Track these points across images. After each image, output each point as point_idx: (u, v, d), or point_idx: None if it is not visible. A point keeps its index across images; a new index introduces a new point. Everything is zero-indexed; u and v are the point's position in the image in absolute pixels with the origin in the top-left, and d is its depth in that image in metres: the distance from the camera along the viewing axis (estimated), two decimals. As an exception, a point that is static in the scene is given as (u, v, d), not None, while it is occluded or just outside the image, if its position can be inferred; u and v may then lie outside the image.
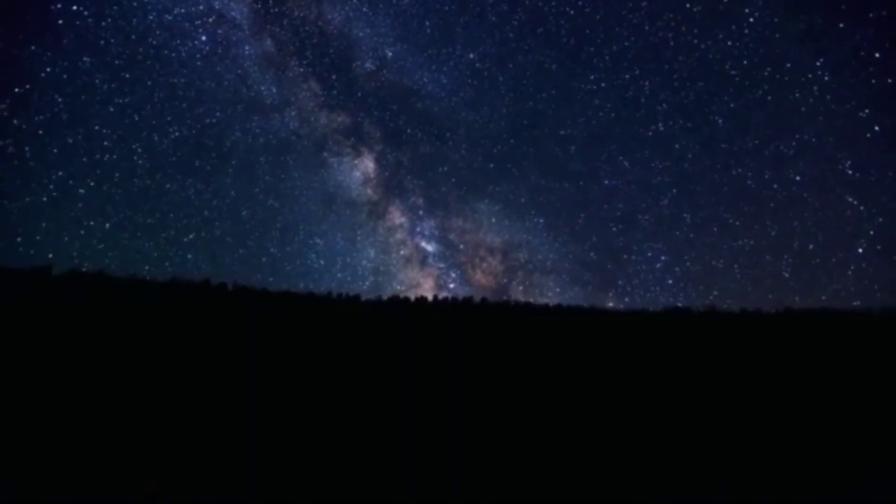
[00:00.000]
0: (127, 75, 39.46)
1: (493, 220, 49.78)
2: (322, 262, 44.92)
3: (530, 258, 47.45)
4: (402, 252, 47.12)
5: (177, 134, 41.76)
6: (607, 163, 48.97)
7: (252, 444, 5.17)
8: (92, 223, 37.21)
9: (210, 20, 41.94)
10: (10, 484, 3.97)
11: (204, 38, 42.05)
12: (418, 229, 48.19)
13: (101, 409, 6.01)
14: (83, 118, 37.83)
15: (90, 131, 37.87)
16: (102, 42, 38.17)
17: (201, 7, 40.92)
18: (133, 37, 39.41)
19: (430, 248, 47.39)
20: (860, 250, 35.47)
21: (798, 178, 40.31)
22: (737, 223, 42.19)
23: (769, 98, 41.80)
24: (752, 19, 41.00)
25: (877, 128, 36.36)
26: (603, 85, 47.60)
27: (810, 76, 39.16)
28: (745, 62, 41.84)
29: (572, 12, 46.34)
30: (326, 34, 47.92)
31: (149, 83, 40.50)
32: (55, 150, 35.96)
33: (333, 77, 48.20)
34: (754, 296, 40.90)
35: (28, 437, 4.94)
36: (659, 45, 44.79)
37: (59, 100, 36.26)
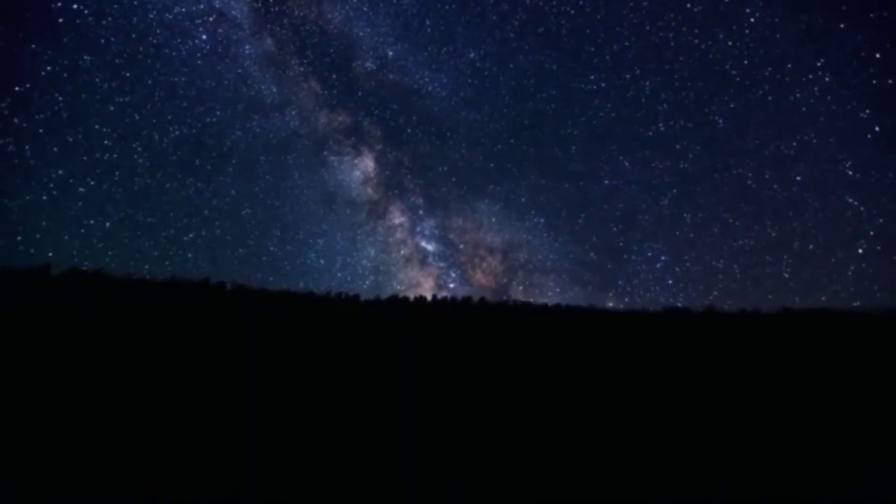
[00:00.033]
0: (127, 74, 39.52)
1: (494, 219, 49.83)
2: (322, 261, 45.00)
3: (530, 258, 47.51)
4: (402, 251, 47.18)
5: (177, 133, 41.82)
6: (608, 163, 49.01)
7: (252, 443, 5.18)
8: (92, 222, 37.28)
9: (210, 19, 41.99)
10: (10, 484, 3.97)
11: (204, 36, 42.12)
12: (418, 229, 48.25)
13: (99, 408, 6.01)
14: (83, 117, 37.89)
15: (90, 130, 37.93)
16: (103, 41, 38.24)
17: (202, 6, 40.98)
18: (133, 35, 39.47)
19: (430, 247, 47.45)
20: (860, 251, 35.52)
21: (798, 178, 40.36)
22: (737, 223, 42.25)
23: (770, 98, 41.83)
24: (752, 19, 41.03)
25: (877, 128, 36.38)
26: (603, 85, 47.64)
27: (811, 76, 39.18)
28: (745, 62, 41.88)
29: (573, 12, 46.38)
30: (327, 33, 47.97)
31: (149, 82, 40.55)
32: (55, 149, 36.02)
33: (334, 76, 48.25)
34: (754, 296, 40.96)
35: (27, 437, 4.94)
36: (659, 45, 44.83)
37: (60, 98, 36.33)
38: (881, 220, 35.11)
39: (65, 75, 36.52)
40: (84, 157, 37.46)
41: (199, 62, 42.39)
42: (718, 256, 41.87)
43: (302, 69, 47.24)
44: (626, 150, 47.99)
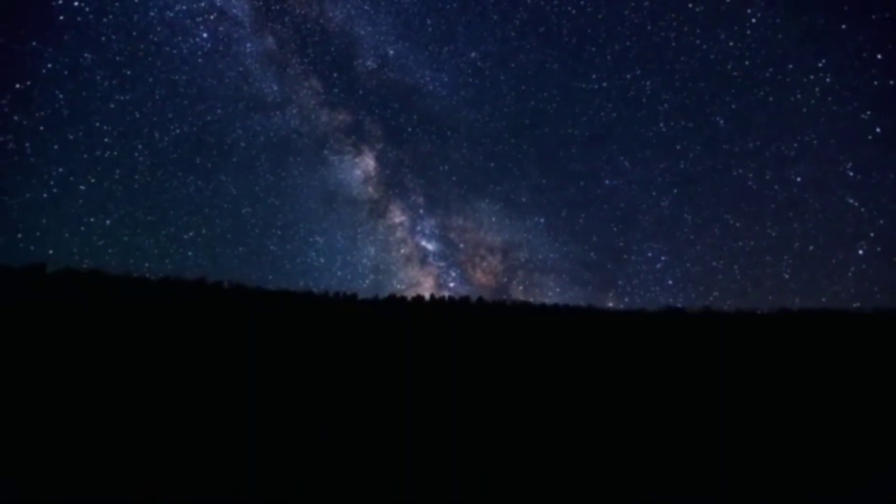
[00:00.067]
0: (128, 72, 39.63)
1: (494, 219, 49.86)
2: (322, 260, 45.05)
3: (530, 257, 47.50)
4: (402, 251, 47.19)
5: (178, 131, 41.93)
6: (608, 163, 49.02)
7: (251, 443, 5.18)
8: (92, 220, 37.43)
9: (211, 17, 42.04)
10: (10, 482, 3.98)
11: (205, 35, 42.18)
12: (419, 228, 48.29)
13: (97, 407, 6.02)
14: (84, 115, 38.01)
15: (91, 128, 38.06)
16: (103, 38, 38.34)
17: (203, 4, 41.00)
18: (134, 33, 39.55)
19: (430, 246, 47.46)
20: (860, 252, 35.37)
21: (799, 179, 40.26)
22: (737, 224, 42.16)
23: (771, 99, 41.73)
24: (754, 20, 40.92)
25: (878, 129, 36.27)
26: (604, 85, 47.60)
27: (812, 77, 39.06)
28: (746, 63, 41.77)
29: (574, 12, 46.32)
30: (328, 32, 48.01)
31: (150, 80, 40.65)
32: (56, 147, 36.14)
33: (335, 75, 48.30)
34: (754, 297, 40.83)
35: (26, 436, 4.95)
36: (661, 46, 44.74)
37: (60, 96, 36.45)
38: (882, 221, 35.00)
39: (65, 73, 36.67)
40: (84, 155, 37.62)
41: (199, 60, 42.50)
42: (718, 257, 41.80)
43: (303, 67, 47.33)
44: (627, 150, 48.01)
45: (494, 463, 5.15)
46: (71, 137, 36.96)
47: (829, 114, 38.65)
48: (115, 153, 39.03)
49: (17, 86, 34.55)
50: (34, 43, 35.38)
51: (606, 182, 48.16)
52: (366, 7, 47.15)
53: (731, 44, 41.99)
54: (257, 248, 44.70)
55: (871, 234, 35.37)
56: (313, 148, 48.69)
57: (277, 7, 44.98)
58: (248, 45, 44.29)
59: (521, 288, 46.73)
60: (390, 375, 9.35)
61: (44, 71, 35.65)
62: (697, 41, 43.22)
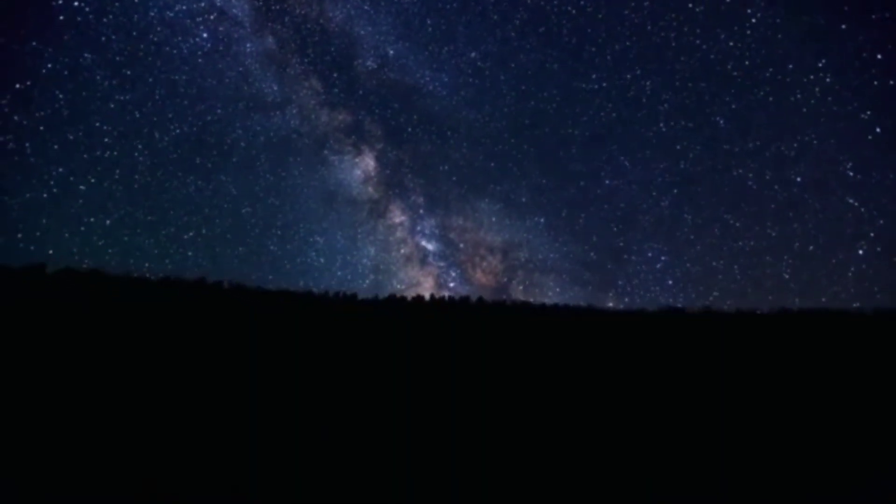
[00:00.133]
0: (128, 72, 39.63)
1: (494, 219, 49.86)
2: (322, 260, 45.02)
3: (530, 257, 47.46)
4: (402, 250, 47.16)
5: (178, 131, 41.94)
6: (608, 163, 49.04)
7: (251, 442, 5.19)
8: (92, 220, 37.42)
9: (211, 17, 42.04)
10: (10, 482, 3.98)
11: (205, 35, 42.18)
12: (419, 228, 48.27)
13: (96, 406, 6.02)
14: (84, 115, 38.02)
15: (91, 128, 38.07)
16: (104, 38, 38.34)
17: (203, 4, 40.99)
18: (134, 33, 39.56)
19: (430, 246, 47.42)
20: (860, 252, 35.32)
21: (799, 179, 40.24)
22: (737, 224, 42.11)
23: (771, 99, 41.72)
24: (754, 20, 40.91)
25: (878, 129, 36.25)
26: (604, 85, 47.61)
27: (812, 77, 39.04)
28: (746, 63, 41.76)
29: (574, 12, 46.33)
30: (328, 32, 48.03)
31: (150, 80, 40.66)
32: (56, 147, 36.15)
33: (335, 75, 48.32)
34: (754, 297, 40.78)
35: (25, 436, 4.96)
36: (661, 46, 44.75)
37: (60, 96, 36.45)
38: (882, 222, 34.96)
39: (65, 73, 36.68)
40: (84, 155, 37.64)
41: (199, 60, 42.51)
42: (718, 257, 41.75)
43: (303, 67, 47.34)
44: (627, 150, 48.02)
45: (494, 463, 5.15)
46: (71, 137, 37.00)
47: (829, 114, 38.68)
48: (115, 153, 39.07)
49: (18, 86, 34.59)
50: (34, 43, 35.41)
51: (606, 182, 48.20)
52: (366, 7, 47.20)
53: (732, 44, 42.02)
54: (257, 248, 44.72)
55: (871, 235, 35.38)
56: (313, 148, 48.73)
57: (277, 7, 45.01)
58: (248, 45, 44.33)
59: (521, 288, 46.75)
60: (390, 375, 9.35)
61: (44, 71, 35.70)
62: (697, 41, 43.24)
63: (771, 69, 40.86)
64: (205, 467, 4.60)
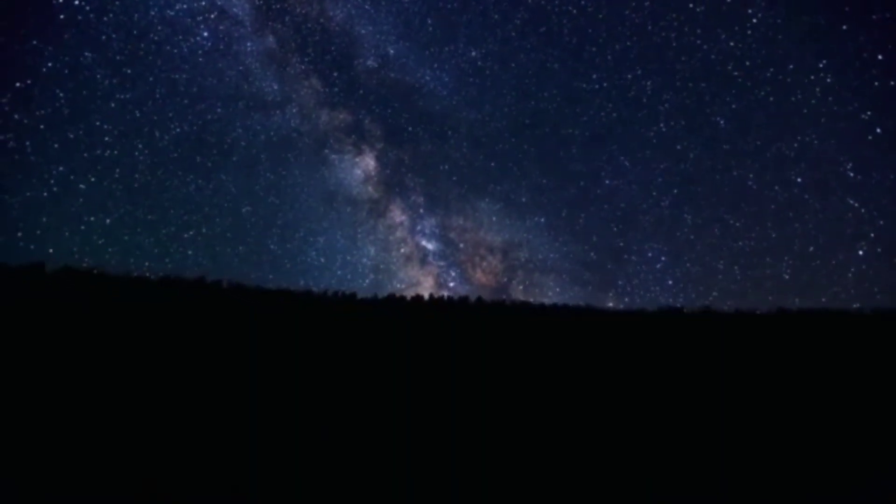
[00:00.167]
0: (128, 71, 39.53)
1: (494, 218, 49.74)
2: (322, 259, 44.93)
3: (530, 257, 47.38)
4: (402, 250, 47.07)
5: (178, 130, 41.82)
6: (608, 163, 48.82)
7: (251, 443, 5.20)
8: (92, 219, 37.34)
9: (212, 16, 41.91)
10: (9, 483, 3.99)
11: (206, 34, 42.04)
12: (419, 227, 48.13)
13: (96, 406, 6.04)
14: (84, 113, 37.92)
15: (91, 127, 37.96)
16: (104, 37, 38.22)
17: (203, 3, 40.84)
18: (135, 32, 39.42)
19: (430, 246, 47.29)
20: (860, 252, 35.29)
21: (799, 179, 40.14)
22: (737, 224, 42.01)
23: (771, 99, 41.57)
24: (755, 20, 40.77)
25: (878, 130, 36.15)
26: (605, 84, 47.41)
27: (812, 78, 38.95)
28: (747, 63, 41.63)
29: (575, 11, 46.15)
30: (328, 31, 47.88)
31: (150, 79, 40.55)
32: (56, 146, 36.06)
33: (335, 74, 48.15)
34: (754, 297, 40.76)
35: (24, 436, 4.97)
36: (661, 45, 44.58)
37: (61, 95, 36.34)
38: (882, 222, 34.93)
39: (66, 72, 36.56)
40: (85, 154, 37.53)
41: (200, 59, 42.36)
42: (719, 257, 41.71)
43: (303, 67, 47.18)
44: (627, 150, 47.83)
45: (494, 463, 5.16)
46: (71, 136, 36.89)
47: (829, 114, 38.55)
48: (116, 152, 38.93)
49: (18, 84, 34.48)
50: (34, 42, 35.31)
51: (607, 182, 48.05)
52: (366, 6, 46.92)
53: (732, 44, 41.86)
54: (257, 247, 44.62)
55: (872, 235, 35.32)
56: (313, 147, 48.59)
57: (278, 6, 44.86)
58: (249, 44, 44.18)
59: (521, 288, 46.64)
60: (390, 375, 9.36)
61: (44, 69, 35.58)
62: (698, 41, 43.06)
63: (771, 69, 40.75)
64: (205, 467, 4.61)
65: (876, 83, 35.76)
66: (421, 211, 48.49)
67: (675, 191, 45.43)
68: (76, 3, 36.35)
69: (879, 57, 35.34)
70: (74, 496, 3.87)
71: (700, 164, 44.77)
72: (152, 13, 39.59)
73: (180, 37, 41.42)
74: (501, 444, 5.54)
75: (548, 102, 49.55)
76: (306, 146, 47.76)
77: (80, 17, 36.84)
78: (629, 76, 46.22)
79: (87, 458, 4.52)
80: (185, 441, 5.11)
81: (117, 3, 38.04)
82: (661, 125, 45.28)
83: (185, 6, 40.24)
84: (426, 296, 21.89)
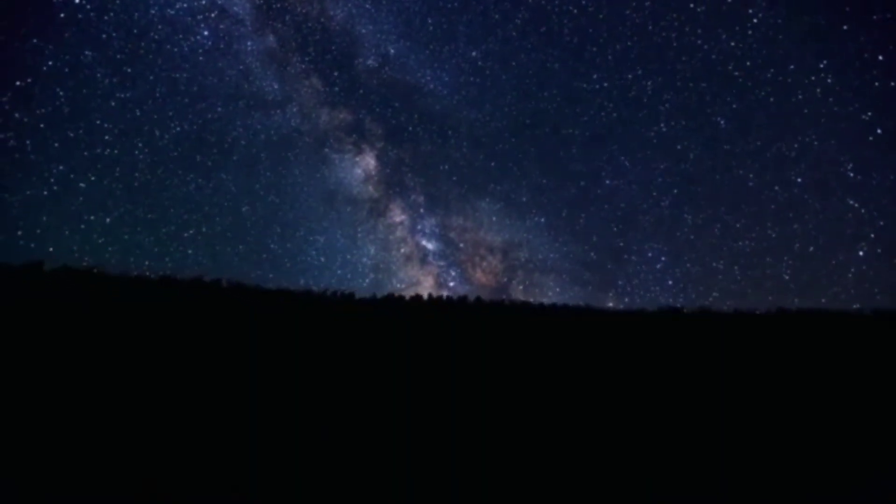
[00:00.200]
0: (128, 70, 39.52)
1: (494, 218, 49.80)
2: (322, 259, 44.98)
3: (531, 257, 47.44)
4: (402, 250, 47.13)
5: (178, 129, 41.82)
6: (609, 163, 48.89)
7: (251, 443, 5.19)
8: (92, 218, 37.34)
9: (212, 15, 41.91)
10: (9, 483, 3.98)
11: (206, 33, 42.03)
12: (419, 227, 48.19)
13: (95, 405, 6.04)
14: (84, 112, 37.91)
15: (91, 125, 37.95)
16: (104, 36, 38.20)
17: (203, 2, 40.81)
18: (135, 31, 39.40)
19: (430, 246, 47.38)
20: (861, 253, 35.31)
21: (799, 180, 40.17)
22: (738, 224, 42.04)
23: (772, 99, 41.58)
24: (755, 20, 40.75)
25: (879, 130, 36.17)
26: (605, 84, 47.45)
27: (813, 78, 38.96)
28: (748, 63, 41.63)
29: (575, 11, 46.16)
30: (329, 30, 47.89)
31: (150, 78, 40.55)
32: (56, 144, 36.06)
33: (335, 74, 48.18)
34: (754, 297, 40.79)
35: (23, 436, 4.96)
36: (662, 45, 44.58)
37: (61, 93, 36.33)
38: (882, 223, 34.97)
39: (66, 70, 36.55)
40: (85, 153, 37.53)
41: (200, 58, 42.36)
42: (719, 257, 41.74)
43: (303, 66, 47.19)
44: (628, 150, 47.89)
45: (494, 462, 5.16)
46: (71, 135, 36.89)
47: (830, 115, 38.58)
48: (116, 151, 38.96)
49: (18, 83, 34.48)
50: (35, 40, 35.29)
51: (607, 182, 48.14)
52: (367, 6, 46.91)
53: (733, 44, 41.86)
54: (257, 247, 44.70)
55: (872, 236, 35.35)
56: (314, 146, 48.67)
57: (278, 5, 44.87)
58: (249, 43, 44.20)
59: (521, 288, 46.71)
60: (389, 374, 9.36)
61: (44, 68, 35.58)
62: (699, 41, 43.08)
63: (772, 70, 40.76)
64: (204, 467, 4.60)
65: (876, 83, 35.77)
66: (421, 210, 48.57)
67: (676, 191, 45.49)
68: (76, 1, 36.31)
69: (880, 57, 35.35)
70: (74, 496, 3.86)
71: (700, 165, 44.82)
72: (152, 12, 39.60)
73: (180, 36, 41.44)
74: (501, 444, 5.54)
75: (548, 102, 49.60)
76: (306, 145, 47.83)
77: (80, 16, 36.83)
78: (630, 76, 46.27)
79: (86, 458, 4.52)
80: (185, 441, 5.11)
81: (117, 1, 38.00)
82: (662, 125, 45.34)
83: (185, 5, 40.25)
84: (425, 295, 21.90)
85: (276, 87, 46.42)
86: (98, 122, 38.16)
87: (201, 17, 41.45)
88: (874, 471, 5.31)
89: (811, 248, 38.24)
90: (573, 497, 4.37)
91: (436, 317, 18.60)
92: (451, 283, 46.28)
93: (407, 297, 20.54)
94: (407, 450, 5.25)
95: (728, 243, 41.87)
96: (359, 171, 48.54)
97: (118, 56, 38.95)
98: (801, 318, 16.22)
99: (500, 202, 51.24)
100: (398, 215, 48.08)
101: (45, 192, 35.24)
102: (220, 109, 43.95)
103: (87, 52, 37.45)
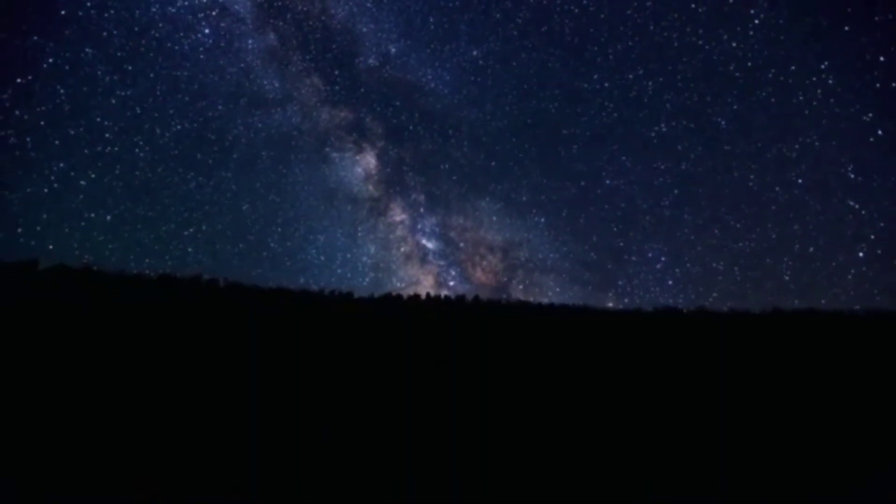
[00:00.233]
0: (129, 67, 39.52)
1: (494, 218, 49.86)
2: (322, 257, 44.98)
3: (531, 257, 47.47)
4: (402, 249, 47.13)
5: (178, 127, 41.87)
6: (609, 163, 49.00)
7: (251, 443, 5.17)
8: (92, 215, 37.35)
9: (213, 13, 41.94)
10: (8, 483, 3.97)
11: (207, 31, 42.03)
12: (419, 226, 48.26)
13: (94, 405, 6.02)
14: (85, 110, 37.92)
15: (92, 123, 37.97)
16: (105, 34, 38.21)
17: (204, 0, 41.15)
18: (136, 29, 39.38)
19: (430, 245, 47.43)
20: (861, 254, 35.30)
21: (800, 180, 40.19)
22: (738, 225, 42.05)
23: (772, 100, 41.58)
24: (756, 21, 40.74)
25: (880, 132, 36.16)
26: (606, 84, 47.55)
27: (814, 79, 38.91)
28: (749, 64, 41.62)
29: (577, 11, 46.23)
30: (330, 29, 47.97)
31: (151, 76, 40.54)
32: (56, 142, 36.07)
33: (336, 72, 48.27)
34: (754, 298, 40.78)
35: (22, 436, 4.95)
36: (663, 46, 44.62)
37: (61, 91, 36.31)
38: (882, 224, 34.93)
39: (67, 68, 36.58)
40: (85, 150, 37.62)
41: (201, 56, 42.46)
42: (719, 258, 41.74)
43: (304, 65, 47.31)
44: (628, 150, 47.98)
45: (494, 461, 5.15)
46: (72, 133, 36.99)
47: (830, 116, 38.64)
48: (116, 149, 39.07)
49: (19, 80, 34.52)
50: (35, 38, 35.32)
51: (607, 182, 48.28)
52: (368, 5, 47.06)
53: (734, 45, 41.94)
54: (257, 246, 44.81)
55: (872, 237, 35.35)
56: (314, 145, 48.80)
57: (279, 4, 44.94)
58: (250, 41, 44.30)
59: (521, 287, 46.77)
60: (388, 374, 9.35)
61: (45, 66, 35.62)
62: (700, 42, 43.20)
63: (773, 70, 40.81)
64: (204, 466, 4.59)
65: (877, 85, 35.80)
66: (421, 210, 48.65)
67: (676, 191, 45.57)
68: (76, -2, 36.49)
69: (881, 59, 35.38)
70: (74, 496, 3.85)
71: (701, 165, 44.88)
72: (153, 10, 39.64)
73: (181, 34, 41.52)
74: (501, 444, 5.52)
75: (549, 102, 49.76)
76: (307, 144, 47.94)
77: (80, 14, 36.86)
78: (630, 76, 46.38)
79: (85, 457, 4.50)
80: (184, 440, 5.09)
81: (117, -1, 38.19)
82: (662, 125, 45.40)
83: (186, 3, 40.28)
84: (424, 295, 21.94)
85: (276, 85, 46.53)
86: (98, 119, 38.19)
87: (202, 15, 41.53)
88: (874, 471, 5.29)
89: (811, 249, 38.24)
90: (573, 495, 4.35)
91: (435, 316, 18.60)
92: (451, 283, 46.34)
93: (405, 297, 20.59)
94: (407, 449, 5.24)
95: (728, 244, 41.93)
96: (359, 169, 48.64)
97: (119, 54, 38.97)
98: (798, 319, 16.19)
99: (501, 202, 51.35)
100: (398, 214, 48.18)
101: (46, 190, 35.28)
102: (220, 108, 44.04)
103: (87, 50, 37.47)
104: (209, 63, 42.82)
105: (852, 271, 35.69)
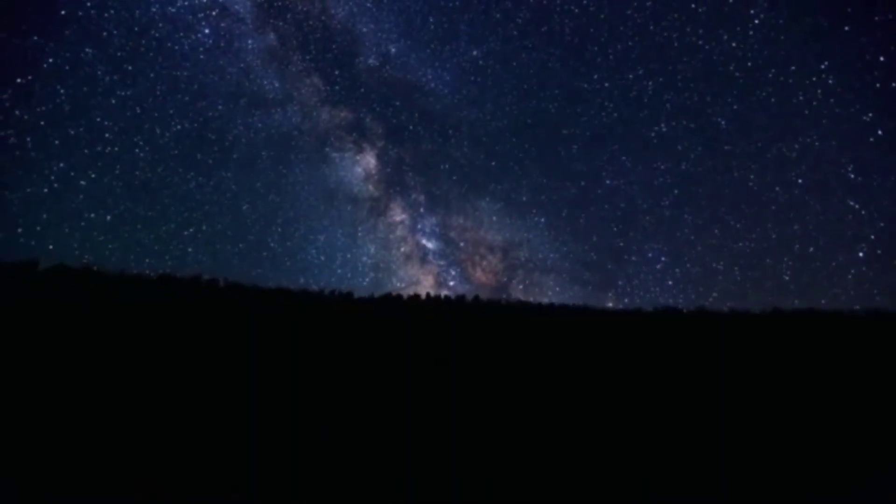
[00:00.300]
0: (129, 67, 39.53)
1: (494, 218, 49.86)
2: (322, 257, 44.99)
3: (531, 257, 47.50)
4: (402, 249, 47.14)
5: (178, 127, 41.88)
6: (609, 163, 49.02)
7: (251, 443, 5.18)
8: (93, 215, 37.37)
9: (213, 13, 41.94)
10: (8, 483, 3.97)
11: (207, 31, 42.04)
12: (419, 226, 48.27)
13: (94, 405, 6.01)
14: (85, 110, 37.93)
15: (92, 123, 37.98)
16: (105, 34, 38.23)
17: (204, 0, 41.18)
18: (136, 29, 39.41)
19: (430, 245, 47.43)
20: (861, 254, 35.31)
21: (800, 180, 40.22)
22: (738, 225, 42.08)
23: (772, 100, 41.61)
24: (756, 21, 40.76)
25: (880, 132, 36.18)
26: (606, 84, 47.56)
27: (814, 79, 38.94)
28: (749, 64, 41.64)
29: (577, 11, 46.24)
30: (330, 29, 47.98)
31: (151, 76, 40.57)
32: (56, 142, 36.09)
33: (336, 72, 48.28)
34: (754, 298, 40.79)
35: (21, 436, 4.95)
36: (663, 46, 44.63)
37: (61, 91, 36.33)
38: (882, 224, 34.96)
39: (66, 68, 36.60)
40: (85, 150, 37.63)
41: (201, 56, 42.47)
42: (719, 258, 41.79)
43: (304, 65, 47.31)
44: (628, 150, 48.01)
45: (494, 461, 5.15)
46: (72, 132, 37.00)
47: (830, 116, 38.66)
48: (116, 149, 39.09)
49: (19, 80, 34.53)
50: (35, 38, 35.34)
51: (607, 182, 48.30)
52: (368, 4, 47.06)
53: (734, 45, 41.95)
54: (257, 246, 44.81)
55: (872, 237, 35.36)
56: (314, 145, 48.81)
57: (279, 4, 44.94)
58: (250, 41, 44.30)
59: (521, 287, 46.76)
60: (387, 374, 9.35)
61: (45, 66, 35.63)
62: (700, 42, 43.21)
63: (773, 70, 40.82)
64: (204, 466, 4.59)
65: (877, 85, 35.81)
66: (421, 210, 48.65)
67: (676, 191, 45.58)
68: (76, -2, 36.49)
69: (881, 59, 35.39)
70: (74, 496, 3.85)
71: (701, 165, 44.89)
72: (153, 10, 39.66)
73: (181, 34, 41.53)
74: (501, 444, 5.52)
75: (549, 102, 49.78)
76: (307, 144, 47.95)
77: (80, 13, 36.87)
78: (630, 76, 46.40)
79: (84, 457, 4.49)
80: (184, 440, 5.09)
81: (117, -1, 38.19)
82: (662, 125, 45.41)
83: (186, 3, 40.29)
84: (424, 295, 21.94)
85: (276, 85, 46.54)
86: (98, 119, 38.22)
87: (202, 15, 41.54)
88: (874, 471, 5.30)
89: (811, 249, 38.25)
90: (573, 495, 4.36)
91: (435, 316, 18.60)
92: (451, 283, 46.35)
93: (405, 297, 20.59)
94: (407, 449, 5.24)
95: (728, 244, 41.95)
96: (359, 169, 48.66)
97: (119, 54, 39.00)
98: (798, 319, 16.19)
99: (501, 202, 51.36)
100: (398, 214, 48.20)
101: (46, 190, 35.31)
102: (220, 108, 44.05)
103: (87, 50, 37.50)
104: (209, 63, 42.83)
105: (852, 271, 35.71)
